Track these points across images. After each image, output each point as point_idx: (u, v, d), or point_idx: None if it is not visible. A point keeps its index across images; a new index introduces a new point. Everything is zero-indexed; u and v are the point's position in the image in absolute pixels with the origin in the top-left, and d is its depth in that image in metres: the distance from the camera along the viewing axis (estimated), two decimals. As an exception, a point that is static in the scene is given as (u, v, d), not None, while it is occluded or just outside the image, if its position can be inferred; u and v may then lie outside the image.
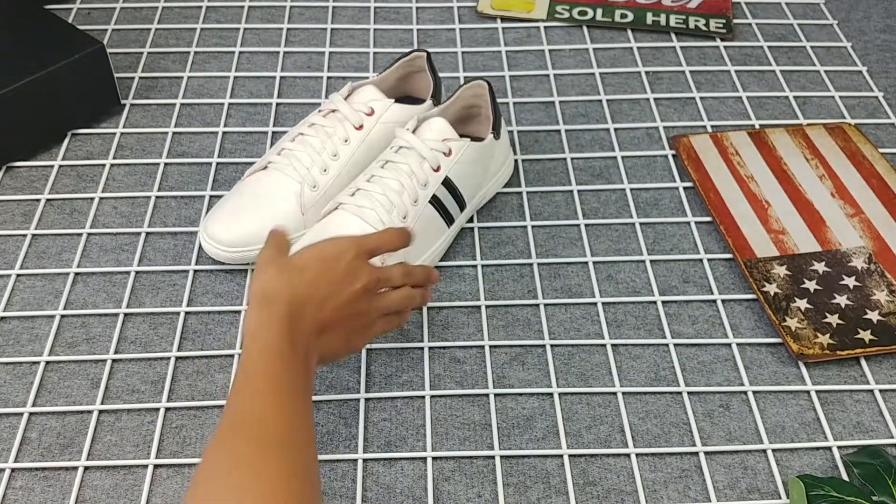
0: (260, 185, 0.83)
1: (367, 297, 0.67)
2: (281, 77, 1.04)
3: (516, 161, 0.94)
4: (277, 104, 1.01)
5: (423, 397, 0.74)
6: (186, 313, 0.80)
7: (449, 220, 0.83)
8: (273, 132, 0.97)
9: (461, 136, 0.87)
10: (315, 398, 0.73)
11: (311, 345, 0.63)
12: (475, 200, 0.87)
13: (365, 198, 0.79)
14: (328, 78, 1.04)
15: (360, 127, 0.85)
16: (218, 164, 0.94)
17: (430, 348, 0.78)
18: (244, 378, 0.58)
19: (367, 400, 0.74)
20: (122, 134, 0.96)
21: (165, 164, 0.94)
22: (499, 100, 1.01)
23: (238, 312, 0.80)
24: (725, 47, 1.09)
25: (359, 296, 0.66)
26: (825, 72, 1.06)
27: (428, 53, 0.91)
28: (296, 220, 0.82)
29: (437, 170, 0.81)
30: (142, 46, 1.07)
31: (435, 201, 0.81)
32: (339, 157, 0.84)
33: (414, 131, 0.83)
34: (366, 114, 0.85)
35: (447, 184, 0.82)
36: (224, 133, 0.97)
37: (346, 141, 0.84)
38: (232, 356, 0.77)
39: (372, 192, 0.79)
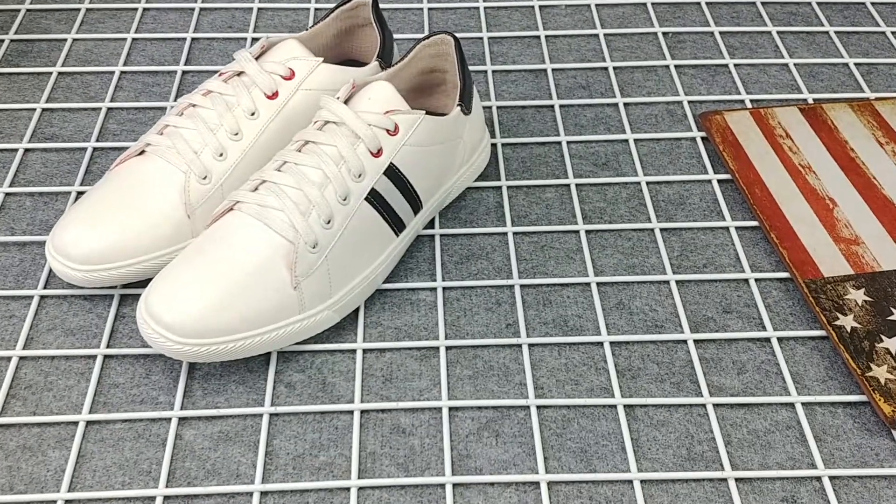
0: (131, 178, 0.59)
1: None
2: (192, 39, 0.80)
3: (494, 146, 0.71)
4: (184, 72, 0.77)
5: (349, 489, 0.50)
6: (21, 358, 0.57)
7: (397, 225, 0.60)
8: (173, 108, 0.73)
9: (417, 109, 0.64)
10: (190, 491, 0.50)
11: None
12: (436, 199, 0.64)
13: (272, 194, 0.56)
14: (252, 40, 0.81)
15: (275, 95, 0.61)
16: (95, 149, 0.70)
17: (362, 412, 0.54)
18: None
19: (265, 494, 0.50)
20: (-28, 111, 0.73)
21: (25, 149, 0.70)
22: (475, 67, 0.78)
23: (92, 358, 0.57)
24: (763, 3, 0.85)
25: None
26: (892, 33, 0.83)
27: (374, 1, 0.68)
28: (178, 224, 0.58)
29: (377, 154, 0.58)
30: (20, 2, 0.84)
31: (375, 199, 0.58)
32: (243, 136, 0.60)
33: (347, 101, 0.60)
34: (283, 77, 0.62)
35: (393, 174, 0.59)
36: (109, 109, 0.74)
37: (252, 114, 0.60)
38: (76, 425, 0.53)
39: (282, 185, 0.56)
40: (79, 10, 0.84)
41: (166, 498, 0.50)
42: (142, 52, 0.79)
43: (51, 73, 0.77)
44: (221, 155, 0.59)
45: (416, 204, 0.61)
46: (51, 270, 0.61)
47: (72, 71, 0.77)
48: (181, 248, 0.59)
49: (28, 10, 0.83)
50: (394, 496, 0.50)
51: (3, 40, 0.80)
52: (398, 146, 0.59)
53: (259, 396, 0.55)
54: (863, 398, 0.55)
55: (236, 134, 0.60)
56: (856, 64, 0.79)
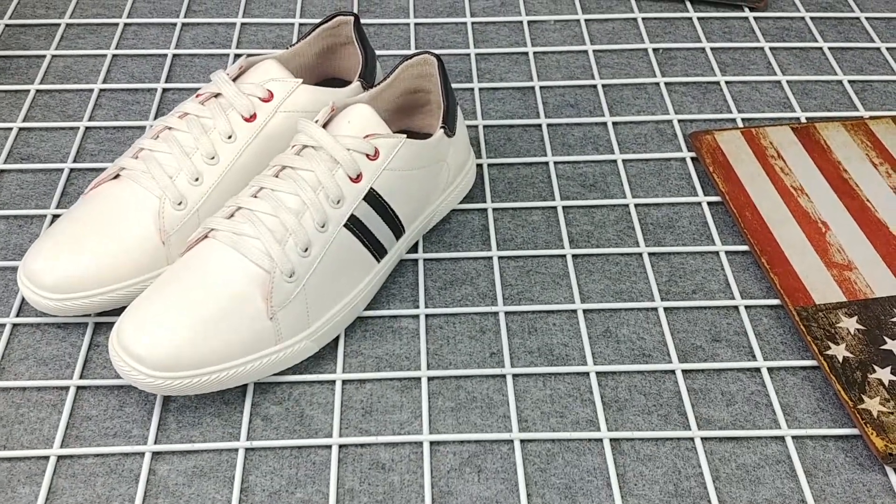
0: (105, 202, 0.58)
1: None
2: (174, 55, 0.79)
3: (480, 167, 0.69)
4: (164, 90, 0.76)
5: (324, 529, 0.49)
6: (-9, 390, 0.55)
7: (378, 251, 0.58)
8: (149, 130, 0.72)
9: (399, 132, 0.62)
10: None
11: None
12: (419, 223, 0.62)
13: (248, 221, 0.54)
14: (235, 56, 0.79)
15: (252, 117, 0.60)
16: (72, 170, 0.69)
17: (341, 447, 0.53)
18: None
19: (236, 535, 0.49)
20: (-53, 130, 0.72)
21: (0, 170, 0.69)
22: (461, 85, 0.76)
23: (65, 389, 0.55)
24: (756, 19, 0.84)
25: None
26: (888, 49, 0.81)
27: (356, 18, 0.66)
28: (153, 250, 0.57)
29: (356, 179, 0.56)
30: (-2, 16, 0.83)
31: (355, 225, 0.56)
32: (219, 160, 0.59)
33: (326, 124, 0.58)
34: (260, 99, 0.60)
35: (373, 200, 0.57)
36: (87, 129, 0.72)
37: (229, 137, 0.59)
38: (47, 459, 0.52)
39: (258, 212, 0.54)
40: (58, 25, 0.82)
41: (137, 538, 0.49)
42: (122, 69, 0.78)
43: (28, 90, 0.76)
44: (197, 179, 0.58)
45: (398, 229, 0.60)
46: (24, 298, 0.60)
47: (50, 88, 0.76)
48: (156, 275, 0.57)
49: (7, 26, 0.82)
50: (372, 535, 0.49)
51: (-19, 56, 0.79)
52: (378, 171, 0.57)
53: (235, 430, 0.53)
54: (855, 431, 0.54)
55: (212, 158, 0.58)
56: (850, 81, 0.78)
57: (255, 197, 0.55)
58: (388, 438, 0.53)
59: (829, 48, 0.81)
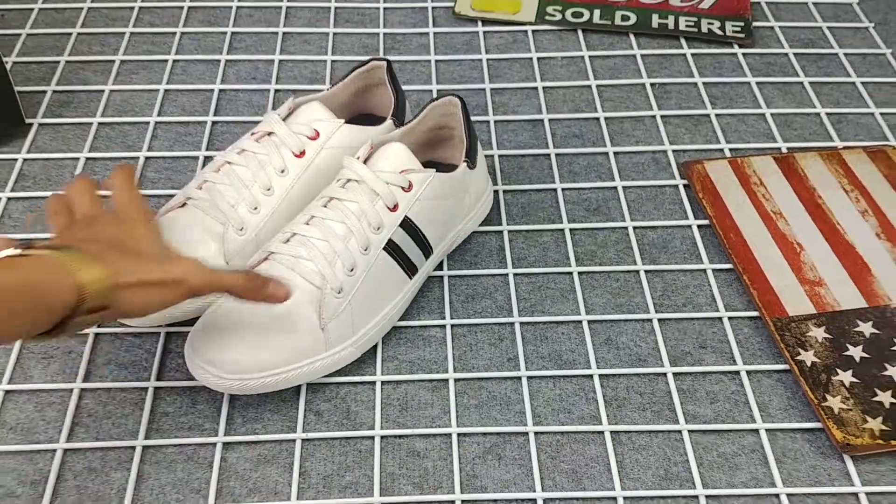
0: (175, 228, 0.67)
1: None
2: (220, 90, 0.88)
3: (496, 192, 0.79)
4: (213, 123, 0.85)
5: (371, 507, 0.58)
6: (82, 390, 0.64)
7: (411, 270, 0.68)
8: (205, 156, 0.81)
9: (427, 164, 0.71)
10: (233, 507, 0.58)
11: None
12: (444, 244, 0.71)
13: (302, 246, 0.63)
14: (275, 91, 0.88)
15: (302, 154, 0.69)
16: (137, 196, 0.78)
17: (382, 437, 0.62)
18: None
19: (298, 511, 0.58)
20: (24, 160, 0.81)
21: (74, 196, 0.78)
22: (479, 118, 0.86)
23: (144, 390, 0.64)
24: (744, 55, 0.93)
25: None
26: (862, 84, 0.90)
27: (388, 63, 0.75)
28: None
29: (393, 209, 0.66)
30: (60, 54, 0.92)
31: (392, 248, 0.66)
32: (274, 191, 0.68)
33: (366, 160, 0.67)
34: (308, 137, 0.69)
35: (407, 226, 0.66)
36: (147, 158, 0.81)
37: (282, 171, 0.68)
38: (133, 449, 0.61)
39: (311, 238, 0.64)
40: (113, 61, 0.91)
41: (214, 514, 0.58)
42: (174, 103, 0.87)
43: (92, 122, 0.85)
44: (255, 208, 0.67)
45: (427, 250, 0.69)
46: (104, 310, 0.69)
47: (110, 121, 0.85)
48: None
49: (67, 62, 0.91)
50: (410, 512, 0.58)
51: (46, 91, 0.88)
52: (412, 201, 0.66)
53: (292, 423, 0.62)
54: (818, 425, 0.63)
55: (268, 189, 0.68)
56: (827, 114, 0.87)
57: (308, 224, 0.64)
58: (422, 430, 0.62)
59: (810, 82, 0.90)
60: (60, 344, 0.67)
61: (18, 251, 0.51)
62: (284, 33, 0.95)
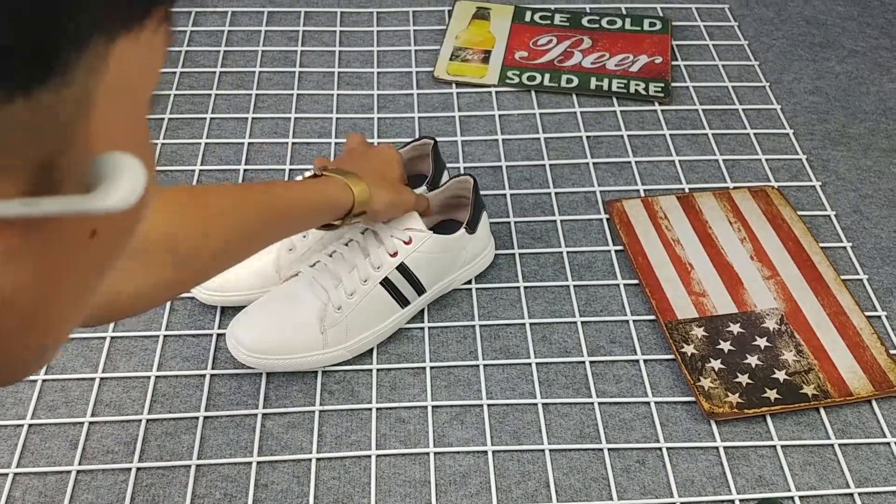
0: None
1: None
2: (248, 143, 1.12)
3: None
4: (245, 171, 1.09)
5: (370, 457, 0.82)
6: (157, 377, 0.88)
7: (403, 302, 0.89)
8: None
9: (446, 222, 0.94)
10: (271, 458, 0.82)
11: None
12: (439, 287, 0.92)
13: (319, 271, 0.87)
14: (293, 144, 1.12)
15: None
16: (188, 230, 1.02)
17: (377, 409, 0.86)
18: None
19: (318, 460, 0.82)
20: (99, 202, 1.04)
21: (140, 230, 1.02)
22: (452, 164, 1.09)
23: (203, 376, 0.88)
24: (663, 111, 1.17)
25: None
26: (754, 134, 1.14)
27: (435, 143, 0.97)
28: (269, 276, 0.90)
29: (393, 255, 0.88)
30: (119, 113, 1.15)
31: (387, 284, 0.88)
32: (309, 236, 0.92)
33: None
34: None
35: (403, 270, 0.88)
36: (194, 200, 1.05)
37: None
38: (197, 419, 0.85)
39: (328, 266, 0.87)
40: (163, 119, 1.15)
41: (258, 463, 0.82)
42: (213, 154, 1.11)
43: (149, 170, 1.08)
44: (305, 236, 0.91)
45: (420, 289, 0.90)
46: (169, 318, 0.92)
47: (163, 169, 1.09)
48: (265, 290, 0.90)
49: (126, 119, 1.14)
50: (398, 461, 0.82)
51: (111, 144, 1.11)
52: (409, 252, 0.88)
53: (311, 399, 0.86)
54: (693, 399, 0.87)
55: (305, 236, 0.91)
56: (724, 160, 1.11)
57: (330, 256, 0.88)
58: (406, 404, 0.86)
59: (713, 134, 1.14)
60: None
61: (321, 172, 0.83)
62: (298, 95, 1.18)
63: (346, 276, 0.87)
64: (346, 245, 0.89)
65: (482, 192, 1.06)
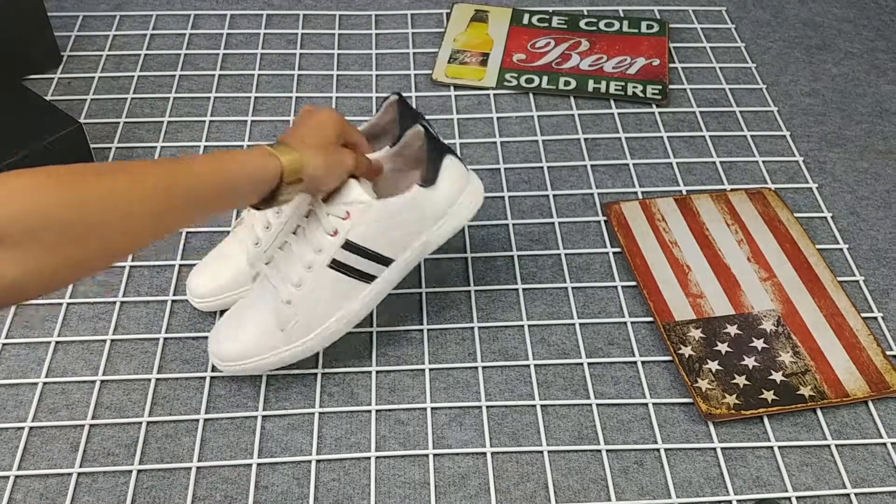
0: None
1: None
2: (248, 147, 1.12)
3: (462, 228, 1.02)
4: (244, 173, 1.09)
5: (369, 458, 0.82)
6: (157, 380, 0.88)
7: (366, 278, 0.83)
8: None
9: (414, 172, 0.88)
10: (271, 460, 0.82)
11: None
12: (414, 249, 0.85)
13: (272, 268, 0.84)
14: (291, 147, 1.12)
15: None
16: (188, 233, 1.02)
17: (377, 411, 0.86)
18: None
19: (318, 462, 0.82)
20: (99, 205, 1.05)
21: (139, 233, 1.02)
22: (449, 166, 1.09)
23: (203, 378, 0.88)
24: (660, 113, 1.18)
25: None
26: (751, 136, 1.15)
27: (400, 97, 0.89)
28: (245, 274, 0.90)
29: (333, 234, 0.81)
30: (118, 116, 1.15)
31: (337, 265, 0.81)
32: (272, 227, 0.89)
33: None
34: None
35: (350, 246, 0.81)
36: (194, 202, 1.05)
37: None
38: (197, 421, 0.85)
39: (278, 261, 0.83)
40: (162, 122, 1.15)
41: (258, 465, 0.82)
42: (212, 156, 1.11)
43: (149, 173, 1.08)
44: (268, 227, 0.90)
45: (383, 261, 0.83)
46: (169, 320, 0.93)
47: (163, 171, 1.09)
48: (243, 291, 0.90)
49: (125, 122, 1.15)
50: (397, 462, 0.82)
51: (111, 147, 1.11)
52: (350, 228, 0.80)
53: (311, 401, 0.87)
54: (690, 400, 0.87)
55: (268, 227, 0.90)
56: (721, 162, 1.11)
57: (281, 248, 0.84)
58: (405, 406, 0.86)
59: (710, 136, 1.15)
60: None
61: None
62: (297, 98, 1.19)
63: (291, 268, 0.82)
64: (294, 233, 0.83)
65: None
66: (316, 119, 0.81)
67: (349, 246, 0.81)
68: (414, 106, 1.18)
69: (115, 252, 0.65)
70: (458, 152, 1.12)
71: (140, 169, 0.67)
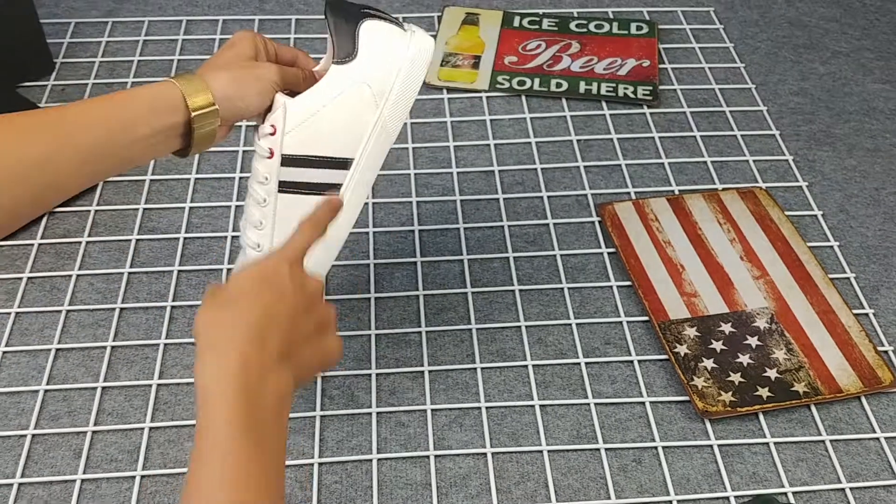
0: None
1: (315, 306, 0.64)
2: (244, 151, 1.13)
3: (458, 230, 1.03)
4: (240, 178, 1.09)
5: (371, 460, 0.83)
6: (158, 385, 0.89)
7: (331, 188, 0.75)
8: (236, 206, 1.06)
9: None
10: (274, 463, 0.83)
11: (279, 377, 0.59)
12: (367, 140, 0.75)
13: (242, 225, 0.79)
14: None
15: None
16: (185, 238, 1.02)
17: (377, 413, 0.87)
18: (211, 447, 0.56)
19: (320, 464, 0.83)
20: (96, 211, 1.05)
21: (137, 240, 1.02)
22: (444, 169, 1.11)
23: (205, 384, 0.89)
24: (651, 114, 1.19)
25: (309, 306, 0.63)
26: (742, 136, 1.16)
27: (332, 4, 0.76)
28: None
29: (270, 156, 0.74)
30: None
31: (288, 186, 0.74)
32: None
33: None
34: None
35: (291, 161, 0.73)
36: (191, 208, 1.06)
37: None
38: (200, 425, 0.86)
39: (244, 215, 0.79)
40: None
41: (261, 468, 0.83)
42: (208, 163, 1.11)
43: (145, 180, 1.09)
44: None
45: (339, 164, 0.74)
46: (169, 326, 0.93)
47: (159, 178, 1.09)
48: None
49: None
50: (399, 464, 0.83)
51: (106, 153, 1.12)
52: (281, 139, 0.73)
53: (312, 405, 0.87)
54: (687, 398, 0.88)
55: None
56: (712, 161, 1.13)
57: (248, 197, 0.77)
58: (405, 408, 0.87)
59: (701, 136, 1.16)
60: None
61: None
62: (290, 102, 1.19)
63: (250, 212, 0.76)
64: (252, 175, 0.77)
65: (476, 197, 1.07)
66: (230, 41, 0.75)
67: (290, 160, 0.73)
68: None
69: (37, 209, 0.63)
70: (452, 155, 1.13)
71: (22, 121, 0.61)
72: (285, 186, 0.74)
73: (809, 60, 1.28)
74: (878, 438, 0.86)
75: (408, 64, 0.75)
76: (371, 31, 0.74)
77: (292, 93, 0.75)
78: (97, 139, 0.64)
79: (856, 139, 1.17)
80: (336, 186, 0.75)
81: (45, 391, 0.88)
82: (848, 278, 1.00)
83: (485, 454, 0.84)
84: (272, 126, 0.73)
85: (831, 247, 1.03)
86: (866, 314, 0.96)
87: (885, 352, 0.93)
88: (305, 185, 0.74)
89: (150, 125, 0.66)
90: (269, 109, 0.74)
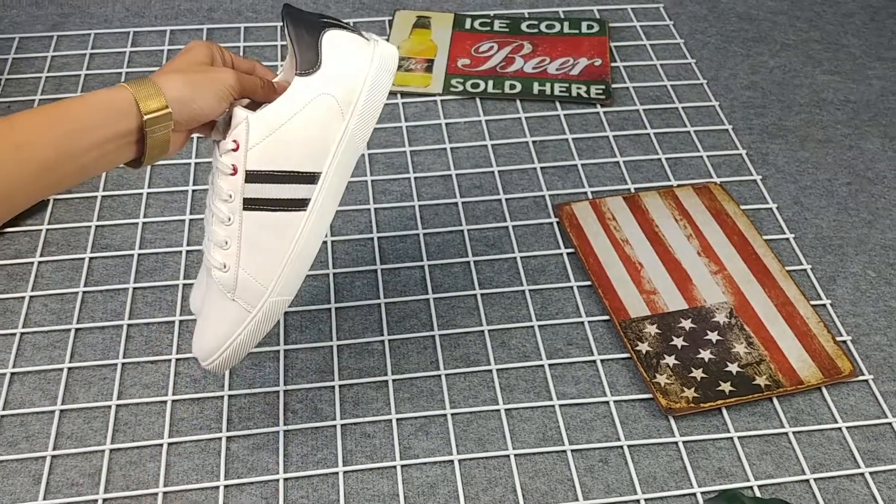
0: None
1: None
2: (195, 164, 1.11)
3: (417, 236, 1.03)
4: (193, 191, 1.08)
5: (337, 473, 0.82)
6: (118, 406, 0.87)
7: (297, 205, 0.71)
8: (190, 219, 1.04)
9: None
10: (238, 481, 0.82)
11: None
12: (334, 153, 0.73)
13: (205, 244, 0.75)
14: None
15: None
16: (140, 255, 1.01)
17: (342, 425, 0.86)
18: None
19: (285, 480, 0.82)
20: (47, 230, 1.03)
21: (90, 258, 1.00)
22: (401, 175, 1.10)
23: (164, 402, 0.88)
24: (605, 113, 1.19)
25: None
26: (695, 132, 1.17)
27: (289, 12, 0.74)
28: None
29: (233, 173, 0.70)
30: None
31: (254, 204, 0.70)
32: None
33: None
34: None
35: (255, 177, 0.70)
36: (144, 223, 1.04)
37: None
38: (161, 446, 0.84)
39: (209, 235, 0.74)
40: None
41: (226, 487, 0.81)
42: (160, 176, 1.10)
43: (97, 196, 1.07)
44: None
45: (304, 178, 0.71)
46: (126, 345, 0.92)
47: (110, 194, 1.07)
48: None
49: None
50: (365, 476, 0.82)
51: (55, 171, 1.09)
52: (244, 154, 0.70)
53: (275, 419, 0.86)
54: (650, 396, 0.89)
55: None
56: (666, 158, 1.13)
57: (209, 214, 0.73)
58: (370, 418, 0.86)
59: (654, 133, 1.17)
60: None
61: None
62: (242, 112, 1.18)
63: (213, 230, 0.72)
64: (212, 192, 0.73)
65: (434, 202, 1.07)
66: (183, 49, 0.73)
67: (254, 177, 0.70)
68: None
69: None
70: (409, 160, 1.12)
71: None
72: (250, 204, 0.70)
73: (759, 54, 1.30)
74: (839, 428, 0.87)
75: (374, 73, 0.74)
76: (334, 41, 0.72)
77: (252, 105, 0.73)
78: (48, 147, 0.62)
79: (807, 131, 1.18)
80: (304, 201, 0.72)
81: (2, 416, 0.86)
82: (805, 270, 1.01)
83: (452, 461, 0.84)
84: (234, 142, 0.70)
85: (787, 239, 1.04)
86: (824, 305, 0.98)
87: (844, 342, 0.94)
88: (272, 201, 0.70)
89: (102, 131, 0.64)
90: (228, 125, 0.72)
